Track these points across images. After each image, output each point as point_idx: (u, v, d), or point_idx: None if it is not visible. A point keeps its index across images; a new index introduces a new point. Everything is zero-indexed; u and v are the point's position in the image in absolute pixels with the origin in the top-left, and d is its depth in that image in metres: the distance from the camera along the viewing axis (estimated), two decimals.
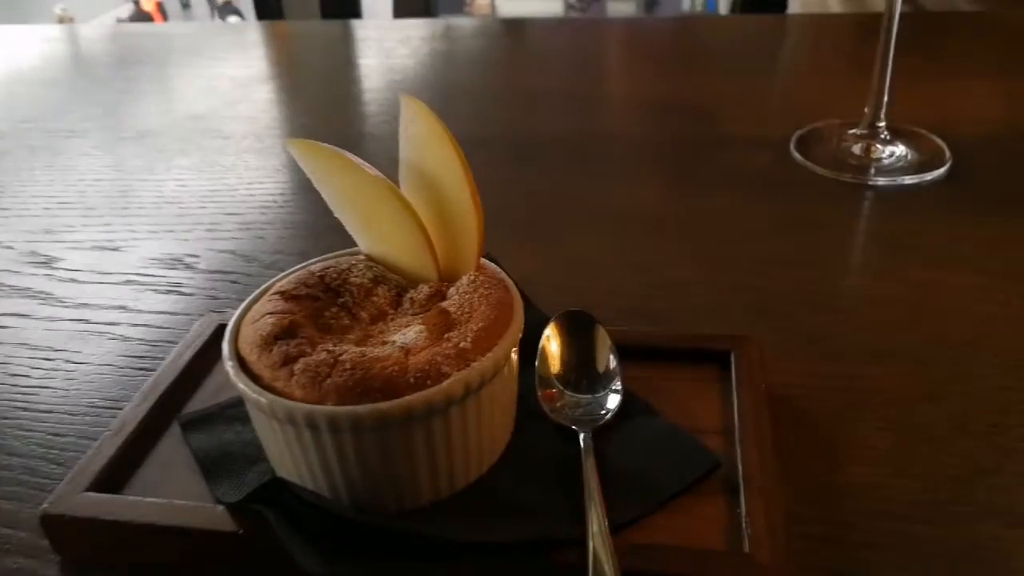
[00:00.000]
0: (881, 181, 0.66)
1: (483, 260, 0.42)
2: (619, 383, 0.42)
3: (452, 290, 0.40)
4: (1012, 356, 0.47)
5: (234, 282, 0.59)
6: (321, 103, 0.94)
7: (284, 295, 0.40)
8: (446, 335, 0.37)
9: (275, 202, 0.70)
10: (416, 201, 0.40)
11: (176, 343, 0.49)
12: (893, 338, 0.50)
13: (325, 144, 0.41)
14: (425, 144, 0.40)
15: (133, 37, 1.27)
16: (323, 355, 0.36)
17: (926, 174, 0.66)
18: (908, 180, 0.66)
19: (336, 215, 0.43)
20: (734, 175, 0.70)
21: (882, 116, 0.68)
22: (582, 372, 0.43)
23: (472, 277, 0.40)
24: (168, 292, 0.58)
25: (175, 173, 0.76)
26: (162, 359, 0.48)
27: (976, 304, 0.52)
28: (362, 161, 0.41)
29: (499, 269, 0.42)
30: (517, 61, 1.07)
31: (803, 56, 0.99)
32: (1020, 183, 0.66)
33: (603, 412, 0.41)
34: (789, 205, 0.65)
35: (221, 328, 0.47)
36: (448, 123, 0.39)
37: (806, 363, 0.48)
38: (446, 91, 0.96)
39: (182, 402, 0.44)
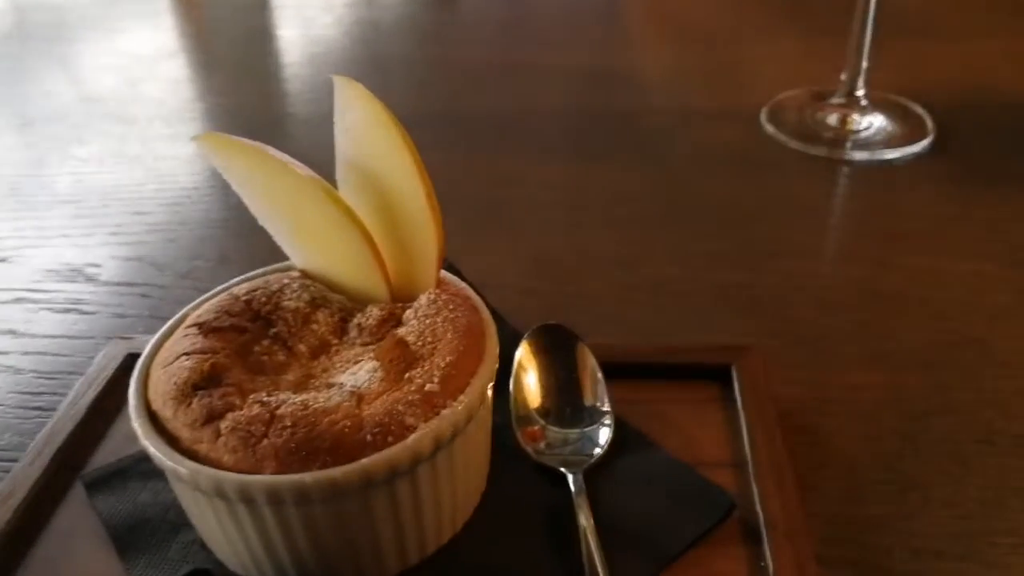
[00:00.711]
0: (859, 155, 0.62)
1: (443, 272, 0.35)
2: (609, 412, 0.36)
3: (409, 313, 0.34)
4: None
5: (144, 295, 0.52)
6: (237, 80, 0.86)
7: (203, 328, 0.33)
8: (407, 374, 0.31)
9: (189, 198, 0.62)
10: (358, 204, 0.35)
11: (78, 374, 0.43)
12: (896, 338, 0.45)
13: (242, 139, 0.34)
14: (367, 136, 0.35)
15: (21, 11, 1.15)
16: (256, 409, 0.29)
17: (908, 147, 0.62)
18: (890, 154, 0.61)
19: (262, 224, 0.36)
20: (702, 153, 0.65)
21: (860, 84, 0.63)
22: (566, 401, 0.37)
23: (432, 296, 0.34)
24: (66, 311, 0.51)
25: (71, 166, 0.69)
26: (62, 395, 0.42)
27: (984, 295, 0.48)
28: (289, 158, 0.35)
29: (463, 283, 0.36)
30: (451, 30, 1.00)
31: (770, 17, 0.93)
32: (1011, 155, 0.62)
33: (594, 449, 0.35)
34: (765, 185, 0.60)
35: (130, 358, 0.40)
36: (383, 102, 0.33)
37: (806, 370, 0.43)
38: (375, 65, 0.88)
39: (86, 455, 0.39)
